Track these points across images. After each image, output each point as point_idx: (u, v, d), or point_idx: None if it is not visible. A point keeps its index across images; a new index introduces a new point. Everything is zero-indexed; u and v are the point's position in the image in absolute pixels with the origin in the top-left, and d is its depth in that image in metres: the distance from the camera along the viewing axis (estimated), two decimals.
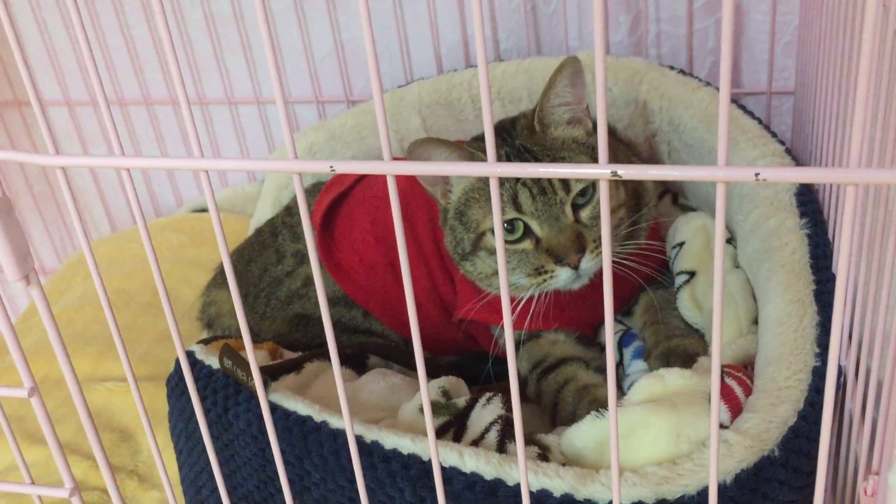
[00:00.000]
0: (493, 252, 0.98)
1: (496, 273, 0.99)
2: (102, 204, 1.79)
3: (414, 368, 0.59)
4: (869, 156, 0.70)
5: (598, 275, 0.99)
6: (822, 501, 0.53)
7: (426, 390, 0.60)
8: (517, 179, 0.95)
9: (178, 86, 0.54)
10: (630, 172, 0.49)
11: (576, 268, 0.95)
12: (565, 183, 0.95)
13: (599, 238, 0.96)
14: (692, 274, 1.04)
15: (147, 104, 1.66)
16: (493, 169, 0.52)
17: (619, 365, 1.05)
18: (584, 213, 0.97)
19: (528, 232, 0.97)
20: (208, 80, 1.62)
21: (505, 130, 1.03)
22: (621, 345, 1.07)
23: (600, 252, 0.96)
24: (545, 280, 0.97)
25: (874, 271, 0.65)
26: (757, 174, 0.47)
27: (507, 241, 0.97)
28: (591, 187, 0.97)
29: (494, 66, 1.29)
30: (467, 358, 1.17)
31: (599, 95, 0.47)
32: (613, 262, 0.97)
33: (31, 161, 0.61)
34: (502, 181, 0.95)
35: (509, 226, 0.97)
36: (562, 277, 0.96)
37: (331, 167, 0.55)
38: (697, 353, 0.97)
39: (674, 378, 0.82)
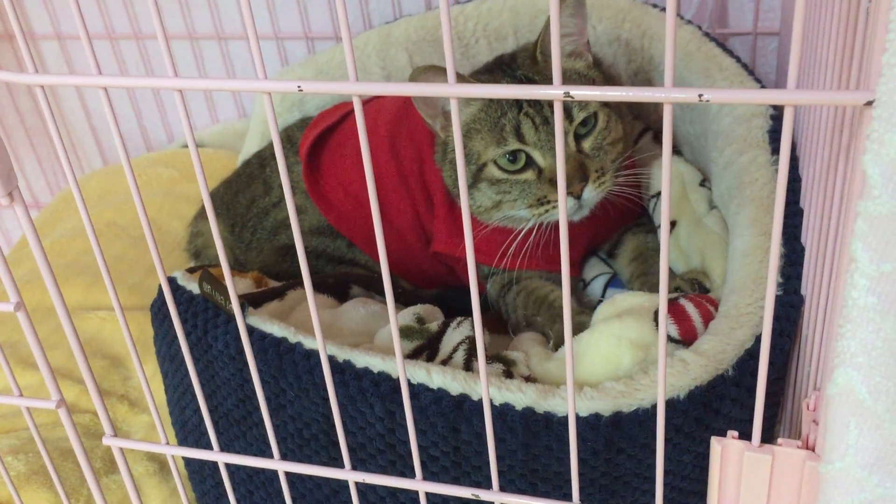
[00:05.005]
0: (493, 183, 1.00)
1: (496, 206, 1.01)
2: (94, 139, 1.81)
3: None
4: (839, 82, 0.72)
5: (597, 207, 1.02)
6: (761, 416, 0.56)
7: (393, 307, 0.62)
8: (520, 109, 0.97)
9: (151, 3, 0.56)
10: (582, 93, 0.51)
11: (578, 197, 0.96)
12: (568, 112, 0.96)
13: (601, 169, 0.98)
14: (673, 223, 1.06)
15: (137, 39, 1.66)
16: (453, 90, 0.54)
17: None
18: (587, 144, 0.98)
19: (530, 162, 0.98)
20: (199, 15, 1.62)
21: (505, 63, 1.04)
22: (607, 287, 1.10)
23: (602, 182, 0.98)
24: (547, 210, 0.98)
25: (829, 198, 0.67)
26: (700, 95, 0.49)
27: (509, 172, 0.99)
28: (592, 118, 0.98)
29: (480, 3, 1.29)
30: (449, 291, 1.19)
31: (553, 18, 0.49)
32: (612, 192, 1.00)
33: (12, 80, 0.63)
34: (505, 112, 0.98)
35: (512, 156, 0.98)
36: None
37: (298, 87, 0.57)
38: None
39: (625, 298, 0.86)
